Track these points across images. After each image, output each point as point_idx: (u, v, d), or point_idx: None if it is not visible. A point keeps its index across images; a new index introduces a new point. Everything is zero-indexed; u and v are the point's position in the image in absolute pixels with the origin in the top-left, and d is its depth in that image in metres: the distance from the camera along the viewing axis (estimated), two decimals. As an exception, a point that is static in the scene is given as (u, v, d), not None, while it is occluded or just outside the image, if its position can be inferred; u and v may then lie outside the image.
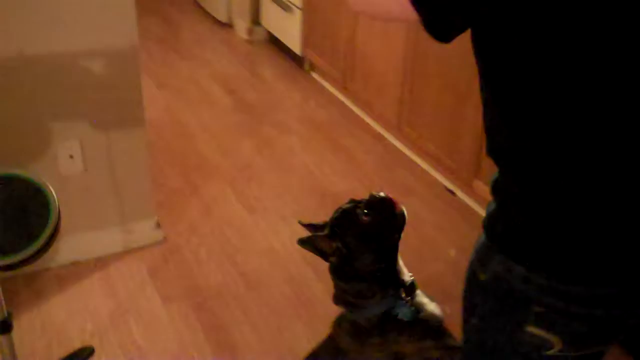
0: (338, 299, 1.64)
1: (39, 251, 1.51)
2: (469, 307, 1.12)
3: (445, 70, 2.77)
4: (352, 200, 1.59)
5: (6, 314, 1.72)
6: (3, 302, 1.69)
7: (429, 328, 1.62)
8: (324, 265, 1.62)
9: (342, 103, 3.63)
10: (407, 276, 1.62)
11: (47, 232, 1.51)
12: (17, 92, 2.19)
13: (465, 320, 1.13)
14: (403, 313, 1.59)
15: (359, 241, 1.54)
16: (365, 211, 1.55)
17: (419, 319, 1.60)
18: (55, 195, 1.57)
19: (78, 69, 2.24)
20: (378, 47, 3.18)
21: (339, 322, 1.68)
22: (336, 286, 1.62)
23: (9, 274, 1.75)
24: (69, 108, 2.29)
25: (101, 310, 2.25)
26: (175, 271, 2.44)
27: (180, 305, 2.28)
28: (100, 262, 2.45)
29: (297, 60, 3.99)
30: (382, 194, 1.58)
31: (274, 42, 4.23)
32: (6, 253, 1.51)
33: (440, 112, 2.86)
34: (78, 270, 2.40)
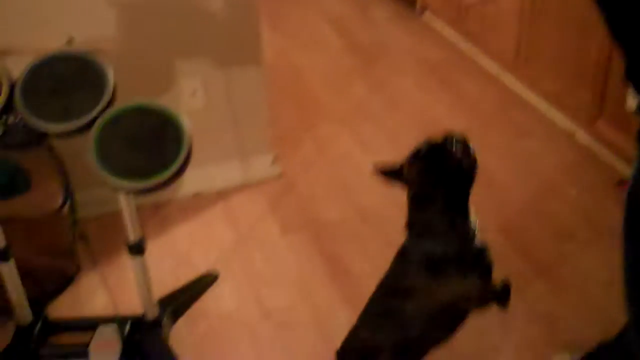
0: (410, 226, 1.62)
1: (173, 176, 1.57)
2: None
3: (566, 2, 2.65)
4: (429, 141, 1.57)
5: (140, 237, 1.80)
6: (138, 225, 1.78)
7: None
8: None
9: (457, 42, 3.55)
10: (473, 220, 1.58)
11: (181, 158, 1.57)
12: (145, 30, 2.28)
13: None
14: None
15: (444, 175, 1.55)
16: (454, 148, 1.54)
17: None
18: (188, 125, 1.62)
19: (200, 8, 2.29)
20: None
21: (405, 254, 1.63)
22: (410, 214, 1.61)
23: (140, 200, 1.83)
24: (193, 46, 2.36)
25: (224, 239, 2.34)
26: (293, 205, 2.50)
27: (299, 236, 2.34)
28: (222, 195, 2.52)
29: (408, 1, 3.92)
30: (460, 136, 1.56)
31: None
32: (144, 177, 1.57)
33: (561, 48, 2.75)
34: (200, 202, 2.49)
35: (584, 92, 2.65)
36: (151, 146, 1.62)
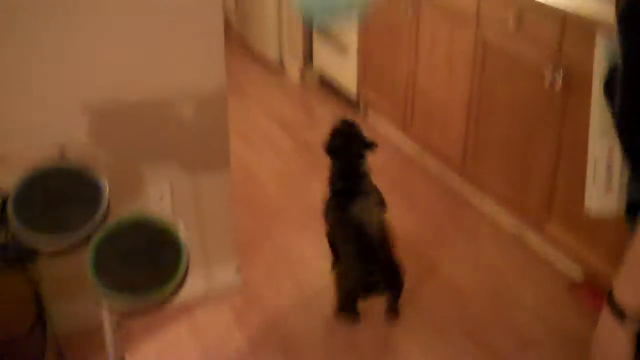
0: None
1: (174, 291, 1.52)
2: None
3: (514, 103, 2.76)
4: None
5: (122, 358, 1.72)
6: (119, 345, 1.70)
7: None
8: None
9: (401, 143, 3.64)
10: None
11: (180, 273, 1.52)
12: (110, 137, 2.22)
13: None
14: None
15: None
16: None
17: None
18: (185, 236, 1.58)
19: (169, 112, 2.29)
20: (440, 83, 3.20)
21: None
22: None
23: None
24: (162, 151, 2.34)
25: (190, 355, 2.24)
26: (258, 317, 2.46)
27: (267, 351, 2.27)
28: (186, 307, 2.43)
29: (351, 102, 4.02)
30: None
31: (327, 84, 4.25)
32: (144, 292, 1.51)
33: (508, 149, 2.86)
34: (164, 316, 2.39)
35: (531, 193, 2.73)
36: (149, 261, 1.58)
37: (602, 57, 2.02)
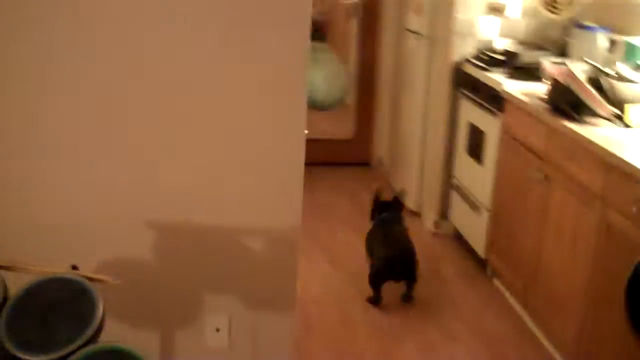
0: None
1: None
2: None
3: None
4: None
5: None
6: None
7: None
8: None
9: (520, 317, 3.32)
10: None
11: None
12: (174, 257, 2.25)
13: None
14: None
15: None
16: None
17: None
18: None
19: (238, 244, 2.27)
20: (562, 263, 2.92)
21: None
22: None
23: None
24: (223, 281, 2.31)
25: None
26: None
27: None
28: None
29: (480, 262, 3.79)
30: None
31: (460, 239, 4.07)
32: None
33: (627, 347, 2.47)
34: None
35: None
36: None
37: None
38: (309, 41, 2.11)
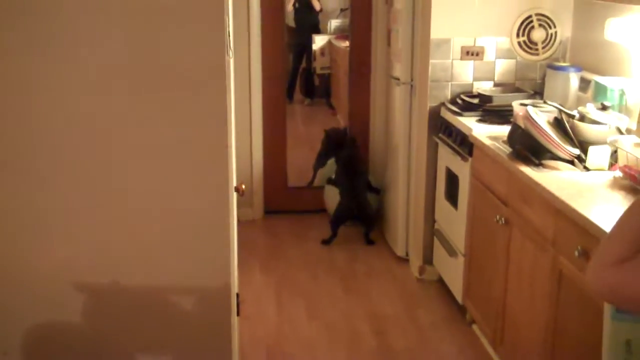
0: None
1: None
2: None
3: (586, 340, 2.33)
4: None
5: None
6: None
7: None
8: None
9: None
10: None
11: None
12: (106, 320, 2.24)
13: None
14: None
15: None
16: None
17: None
18: None
19: (169, 304, 2.24)
20: (524, 309, 2.85)
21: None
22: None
23: None
24: (157, 340, 2.29)
25: None
26: None
27: None
28: None
29: (461, 308, 3.68)
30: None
31: (443, 285, 3.98)
32: None
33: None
34: None
35: None
36: None
37: (610, 318, 1.66)
38: (227, 100, 2.11)
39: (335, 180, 4.81)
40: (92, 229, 2.16)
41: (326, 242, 4.65)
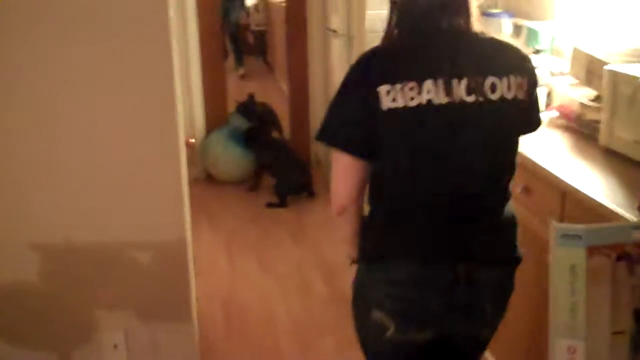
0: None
1: None
2: None
3: (520, 282, 2.42)
4: None
5: None
6: None
7: None
8: None
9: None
10: None
11: None
12: (63, 279, 2.21)
13: None
14: None
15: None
16: None
17: None
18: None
19: (125, 259, 2.23)
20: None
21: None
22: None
23: None
24: (115, 297, 2.28)
25: None
26: None
27: None
28: None
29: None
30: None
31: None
32: None
33: (519, 334, 2.48)
34: None
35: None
36: None
37: (556, 244, 1.72)
38: (171, 50, 2.07)
39: (271, 170, 4.82)
40: (41, 186, 2.10)
41: (272, 205, 4.65)
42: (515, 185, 2.42)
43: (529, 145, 2.42)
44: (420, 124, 1.59)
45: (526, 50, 3.22)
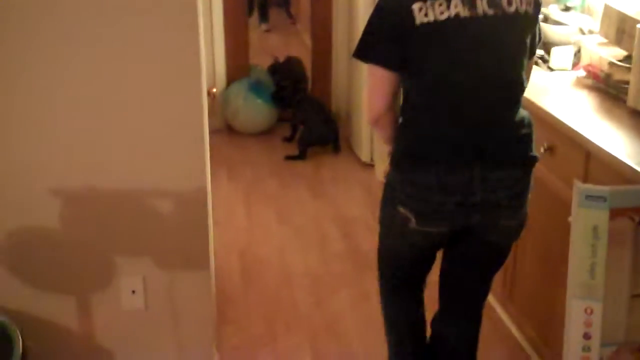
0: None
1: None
2: None
3: (541, 241, 2.41)
4: None
5: None
6: None
7: None
8: None
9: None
10: None
11: None
12: (83, 224, 2.23)
13: None
14: None
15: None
16: None
17: None
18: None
19: (145, 206, 2.25)
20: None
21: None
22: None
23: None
24: (134, 244, 2.28)
25: None
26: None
27: None
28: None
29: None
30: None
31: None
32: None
33: (536, 292, 2.47)
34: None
35: (555, 345, 2.33)
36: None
37: (579, 205, 1.70)
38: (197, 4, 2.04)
39: (304, 124, 4.79)
40: (64, 132, 2.10)
41: (291, 158, 4.64)
42: (539, 144, 2.39)
43: (554, 104, 2.38)
44: (449, 35, 1.79)
45: (557, 6, 3.15)
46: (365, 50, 1.90)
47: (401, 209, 1.93)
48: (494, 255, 2.09)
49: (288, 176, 4.38)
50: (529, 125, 1.93)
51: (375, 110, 1.96)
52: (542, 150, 2.36)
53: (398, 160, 1.95)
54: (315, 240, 3.58)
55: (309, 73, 5.32)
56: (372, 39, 1.87)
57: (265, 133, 5.03)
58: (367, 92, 2.00)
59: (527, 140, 1.92)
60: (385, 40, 1.84)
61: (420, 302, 2.24)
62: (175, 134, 2.15)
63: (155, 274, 2.29)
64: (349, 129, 4.86)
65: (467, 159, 1.85)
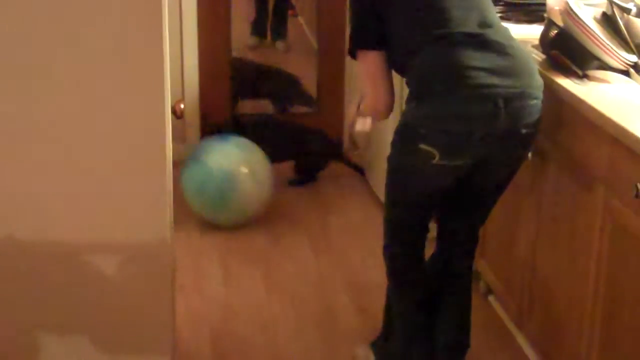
0: None
1: None
2: None
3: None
4: None
5: None
6: None
7: None
8: None
9: (516, 343, 3.37)
10: None
11: None
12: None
13: None
14: None
15: None
16: None
17: None
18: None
19: (83, 266, 2.29)
20: (561, 265, 2.92)
21: None
22: None
23: None
24: (69, 319, 2.29)
25: None
26: None
27: None
28: None
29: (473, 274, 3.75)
30: None
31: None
32: None
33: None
34: None
35: None
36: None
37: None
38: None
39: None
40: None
41: (296, 183, 4.84)
42: (629, 187, 2.38)
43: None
44: None
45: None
46: (363, 41, 2.66)
47: (423, 146, 2.48)
48: (502, 183, 2.82)
49: (281, 223, 4.37)
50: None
51: (382, 100, 2.66)
52: (633, 193, 2.34)
53: (418, 92, 2.56)
54: (318, 315, 3.58)
55: (312, 82, 5.39)
56: (362, 24, 2.67)
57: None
58: (370, 87, 2.69)
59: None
60: (372, 20, 2.61)
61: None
62: (126, 166, 2.17)
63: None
64: (366, 162, 4.88)
65: (490, 90, 2.49)
